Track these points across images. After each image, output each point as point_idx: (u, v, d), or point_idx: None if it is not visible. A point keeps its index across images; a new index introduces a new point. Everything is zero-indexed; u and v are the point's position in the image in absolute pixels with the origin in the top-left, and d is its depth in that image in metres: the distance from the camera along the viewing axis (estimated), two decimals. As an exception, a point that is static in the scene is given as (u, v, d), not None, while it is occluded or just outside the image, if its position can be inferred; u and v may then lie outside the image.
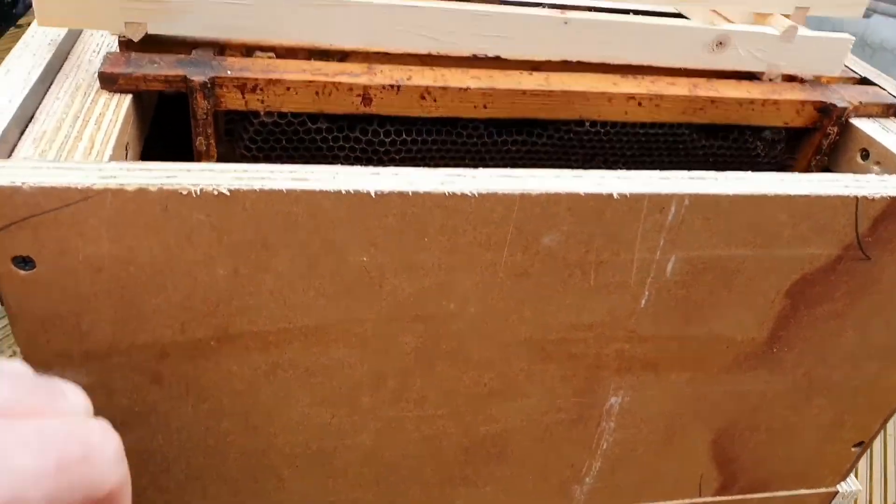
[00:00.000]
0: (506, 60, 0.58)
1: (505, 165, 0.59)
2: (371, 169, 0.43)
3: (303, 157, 0.55)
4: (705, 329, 0.54)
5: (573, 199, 0.44)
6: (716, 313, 0.53)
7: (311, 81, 0.52)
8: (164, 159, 0.56)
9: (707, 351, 0.55)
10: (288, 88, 0.52)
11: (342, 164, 0.56)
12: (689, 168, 0.62)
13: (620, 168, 0.61)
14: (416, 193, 0.42)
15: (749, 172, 0.48)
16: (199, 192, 0.39)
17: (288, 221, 0.41)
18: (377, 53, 0.56)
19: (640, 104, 0.57)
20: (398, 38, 0.55)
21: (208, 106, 0.50)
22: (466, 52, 0.56)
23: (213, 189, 0.40)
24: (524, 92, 0.55)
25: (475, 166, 0.58)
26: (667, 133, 0.60)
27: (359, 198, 0.41)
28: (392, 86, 0.53)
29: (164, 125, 0.56)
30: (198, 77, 0.49)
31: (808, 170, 0.64)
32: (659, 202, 0.46)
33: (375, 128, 0.55)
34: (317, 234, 0.42)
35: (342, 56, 0.56)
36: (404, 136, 0.56)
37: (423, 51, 0.56)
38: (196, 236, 0.41)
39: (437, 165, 0.57)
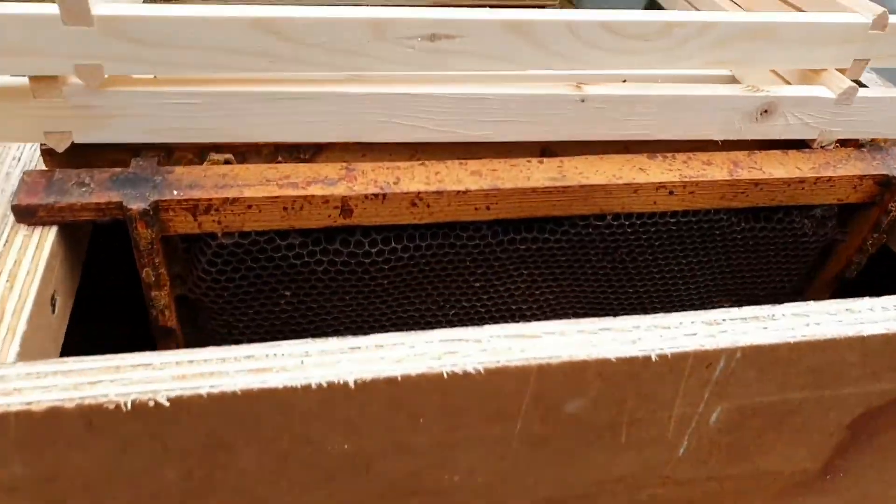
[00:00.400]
0: (511, 142, 0.48)
1: (512, 265, 0.50)
2: (348, 341, 0.35)
3: (273, 275, 0.46)
4: (750, 467, 0.46)
5: (603, 364, 0.36)
6: (763, 451, 0.45)
7: (276, 197, 0.43)
8: (110, 286, 0.48)
9: (751, 486, 0.47)
10: (249, 206, 0.43)
11: (321, 278, 0.47)
12: (726, 252, 0.53)
13: (647, 257, 0.52)
14: (406, 377, 0.34)
15: (811, 306, 0.40)
16: (129, 405, 0.31)
17: (248, 421, 0.33)
18: (357, 144, 0.47)
19: (671, 193, 0.48)
20: (383, 129, 0.46)
21: (152, 234, 0.41)
22: (464, 139, 0.47)
23: (149, 399, 0.31)
24: (534, 190, 0.46)
25: (477, 268, 0.50)
26: (701, 220, 0.51)
27: (334, 390, 0.33)
28: (376, 195, 0.44)
29: (108, 245, 0.47)
30: (136, 204, 0.40)
31: (862, 248, 0.55)
32: (705, 359, 0.37)
33: (359, 238, 0.46)
34: (286, 430, 0.34)
35: (315, 150, 0.47)
36: (394, 244, 0.47)
37: (412, 140, 0.47)
38: (133, 448, 0.33)
39: (433, 272, 0.49)
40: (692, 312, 0.39)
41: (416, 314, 0.52)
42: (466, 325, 0.54)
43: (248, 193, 0.42)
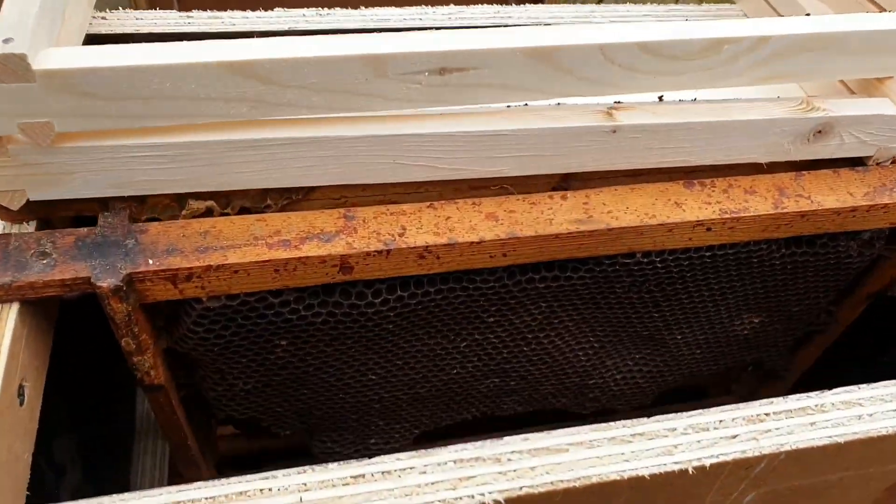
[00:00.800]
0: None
1: (529, 300, 0.46)
2: (351, 468, 0.31)
3: (267, 329, 0.42)
4: (780, 522, 0.44)
5: (636, 481, 0.32)
6: (796, 512, 0.42)
7: (266, 261, 0.38)
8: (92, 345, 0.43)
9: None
10: (236, 272, 0.38)
11: (320, 328, 0.43)
12: (762, 276, 0.49)
13: (677, 286, 0.48)
14: (419, 513, 0.30)
15: (863, 391, 0.36)
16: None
17: (245, 562, 0.30)
18: (355, 185, 0.41)
19: (708, 229, 0.43)
20: (386, 171, 0.40)
21: (128, 307, 0.37)
22: (478, 176, 0.41)
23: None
24: (557, 236, 0.41)
25: (491, 306, 0.46)
26: (739, 251, 0.46)
27: (340, 531, 0.30)
28: (379, 251, 0.39)
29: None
30: (107, 279, 0.35)
31: (911, 267, 0.50)
32: (745, 464, 0.34)
33: (361, 290, 0.42)
34: (287, 563, 0.31)
35: (307, 191, 0.41)
36: (400, 292, 0.42)
37: (419, 179, 0.41)
38: None
39: (443, 312, 0.45)
40: (732, 408, 0.35)
41: (424, 349, 0.48)
42: (478, 354, 0.50)
43: (233, 258, 0.37)
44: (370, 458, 0.31)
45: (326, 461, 0.58)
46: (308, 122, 0.38)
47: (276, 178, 0.39)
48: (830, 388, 0.60)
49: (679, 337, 0.53)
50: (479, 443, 0.32)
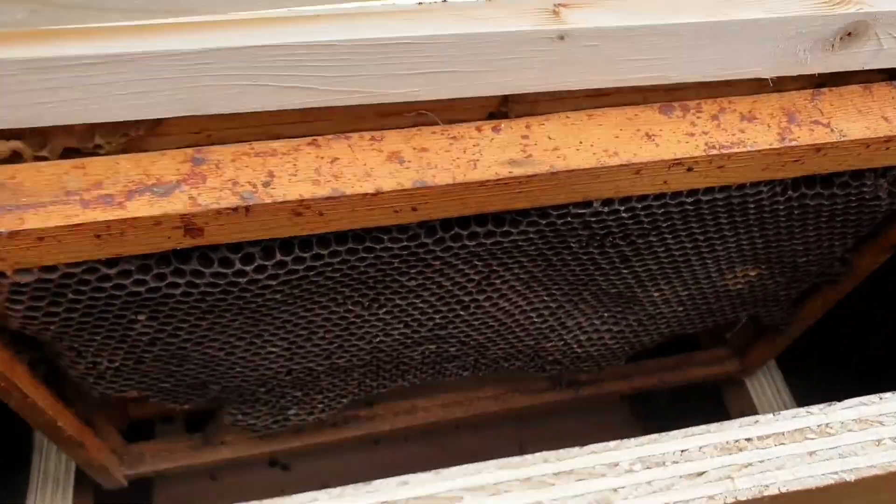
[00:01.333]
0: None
1: (462, 263, 0.36)
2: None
3: (112, 304, 0.33)
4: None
5: (556, 538, 0.24)
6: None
7: (78, 226, 0.28)
8: None
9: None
10: (41, 239, 0.28)
11: (183, 300, 0.34)
12: (760, 224, 0.39)
13: (651, 239, 0.38)
14: None
15: (886, 402, 0.26)
16: None
17: None
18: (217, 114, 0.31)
19: (690, 170, 0.33)
20: (243, 97, 0.29)
21: None
22: (378, 100, 0.31)
23: None
24: (482, 184, 0.31)
25: (410, 268, 0.36)
26: (731, 196, 0.36)
27: None
28: (234, 208, 0.29)
29: None
30: None
31: (954, 211, 0.40)
32: (717, 509, 0.25)
33: (226, 255, 0.32)
34: None
35: (151, 125, 0.31)
36: (280, 256, 0.33)
37: (292, 106, 0.30)
38: None
39: (346, 276, 0.35)
40: (701, 431, 0.25)
41: (332, 317, 0.39)
42: (404, 321, 0.41)
43: (32, 223, 0.28)
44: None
45: (244, 432, 0.50)
46: (122, 33, 0.27)
47: (95, 112, 0.29)
48: (842, 349, 0.50)
49: (656, 294, 0.43)
50: (338, 490, 0.23)
